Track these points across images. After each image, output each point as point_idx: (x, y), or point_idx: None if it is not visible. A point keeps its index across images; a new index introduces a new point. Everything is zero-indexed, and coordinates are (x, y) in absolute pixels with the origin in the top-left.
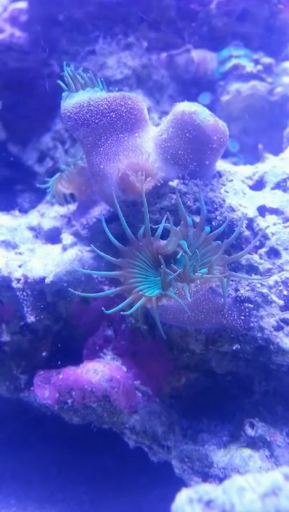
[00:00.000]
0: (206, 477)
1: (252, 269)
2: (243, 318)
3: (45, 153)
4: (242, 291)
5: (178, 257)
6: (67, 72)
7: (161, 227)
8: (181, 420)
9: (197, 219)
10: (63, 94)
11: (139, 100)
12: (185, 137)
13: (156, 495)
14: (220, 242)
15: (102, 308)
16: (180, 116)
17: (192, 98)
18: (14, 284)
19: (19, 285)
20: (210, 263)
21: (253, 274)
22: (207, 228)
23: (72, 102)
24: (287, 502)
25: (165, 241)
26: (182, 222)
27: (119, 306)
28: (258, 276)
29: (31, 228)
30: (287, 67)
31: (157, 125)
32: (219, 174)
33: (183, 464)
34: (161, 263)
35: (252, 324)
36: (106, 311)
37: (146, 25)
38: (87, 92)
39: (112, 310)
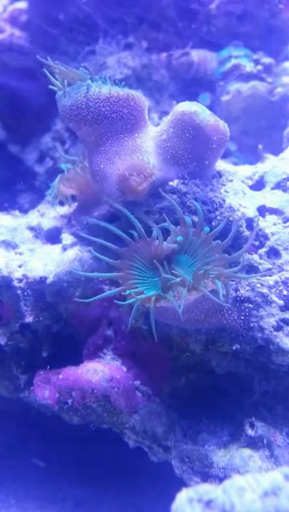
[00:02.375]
0: (206, 477)
1: (252, 269)
2: (243, 318)
3: (45, 153)
4: (242, 291)
5: (178, 256)
6: (53, 73)
7: (156, 228)
8: (181, 420)
9: (196, 219)
10: (56, 96)
11: (142, 100)
12: (185, 137)
13: (156, 495)
14: (220, 242)
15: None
16: (180, 117)
17: (192, 98)
18: (14, 284)
19: (19, 285)
20: (216, 275)
21: (253, 274)
22: (206, 228)
23: (68, 103)
24: (287, 502)
25: (160, 241)
26: (180, 222)
27: (113, 291)
28: (258, 275)
29: (31, 228)
30: (287, 67)
31: (157, 125)
32: (219, 174)
33: (183, 464)
34: (160, 264)
35: (252, 324)
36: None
37: (147, 25)
38: (80, 89)
39: (106, 293)
